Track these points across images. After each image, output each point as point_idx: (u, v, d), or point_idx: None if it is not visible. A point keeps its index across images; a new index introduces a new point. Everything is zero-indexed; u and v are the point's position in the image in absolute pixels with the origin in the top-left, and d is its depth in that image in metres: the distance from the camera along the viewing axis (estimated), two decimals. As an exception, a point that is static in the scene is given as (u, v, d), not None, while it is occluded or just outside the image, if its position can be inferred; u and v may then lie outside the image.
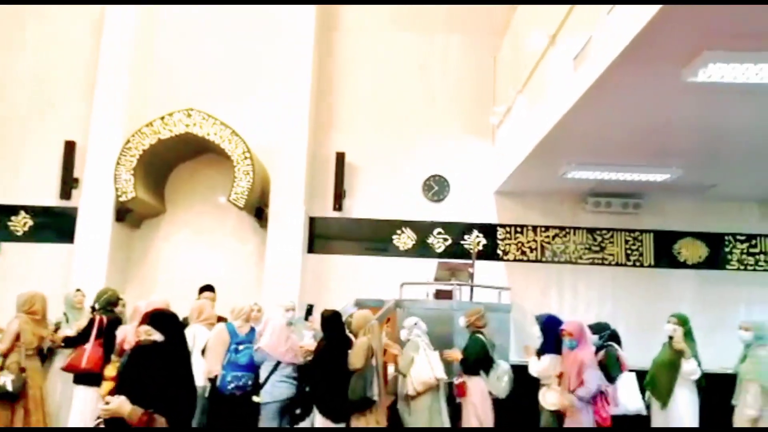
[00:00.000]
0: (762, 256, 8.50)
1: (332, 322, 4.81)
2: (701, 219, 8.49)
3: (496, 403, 5.13)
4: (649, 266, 8.48)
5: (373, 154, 8.61)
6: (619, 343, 5.16)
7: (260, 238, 8.17)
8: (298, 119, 8.03)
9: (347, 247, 8.50)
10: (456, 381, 5.07)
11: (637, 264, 8.49)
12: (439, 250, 8.48)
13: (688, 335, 5.04)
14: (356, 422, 4.58)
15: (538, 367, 4.83)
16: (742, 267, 8.48)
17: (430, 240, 8.52)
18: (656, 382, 5.04)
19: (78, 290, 6.52)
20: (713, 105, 4.84)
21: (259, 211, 8.09)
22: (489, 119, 8.10)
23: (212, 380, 4.76)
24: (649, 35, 3.67)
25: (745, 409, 4.52)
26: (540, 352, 4.94)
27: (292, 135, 7.99)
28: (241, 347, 4.77)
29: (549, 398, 4.64)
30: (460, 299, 7.55)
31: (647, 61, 4.06)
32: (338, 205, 8.36)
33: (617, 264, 8.49)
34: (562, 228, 8.55)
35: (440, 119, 8.66)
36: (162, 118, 7.51)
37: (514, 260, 8.51)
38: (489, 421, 4.94)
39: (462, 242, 8.49)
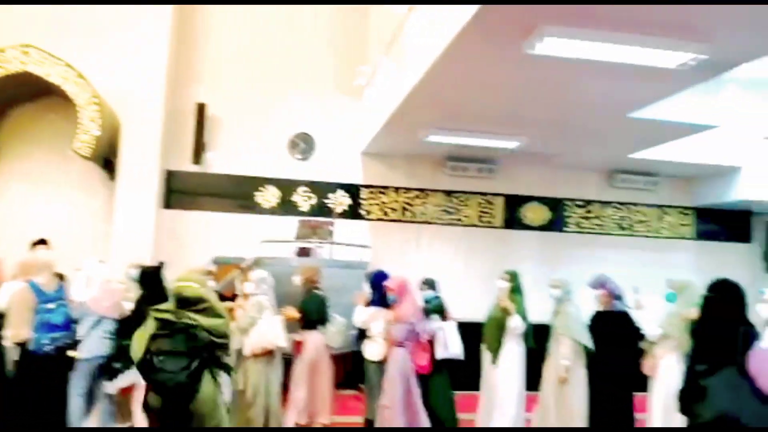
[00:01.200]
0: (596, 221, 9.45)
1: (150, 276, 4.66)
2: (546, 185, 9.23)
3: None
4: (499, 227, 9.11)
5: (238, 107, 8.32)
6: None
7: (110, 191, 7.65)
8: (154, 66, 7.54)
9: (207, 203, 8.22)
10: (296, 338, 5.13)
11: (489, 225, 9.08)
12: (304, 209, 8.47)
13: (517, 290, 5.37)
14: None
15: (359, 317, 5.04)
16: (578, 230, 9.38)
17: (295, 198, 8.48)
18: (487, 337, 5.38)
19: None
20: (553, 78, 5.22)
21: (108, 162, 7.53)
22: (356, 80, 8.11)
23: (21, 344, 4.30)
24: (490, 8, 3.85)
25: (560, 359, 5.05)
26: (367, 304, 5.14)
27: (148, 82, 7.49)
28: (52, 305, 4.35)
29: (369, 349, 4.86)
30: (322, 257, 7.69)
31: (490, 32, 4.27)
32: (197, 158, 8.01)
33: (471, 225, 9.02)
34: (422, 190, 8.89)
35: (309, 76, 8.53)
36: (-8, 54, 6.66)
37: (377, 220, 8.74)
38: (328, 373, 5.13)
39: (327, 201, 8.54)
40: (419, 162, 8.80)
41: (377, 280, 5.09)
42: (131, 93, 7.45)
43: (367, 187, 8.74)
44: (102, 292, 4.61)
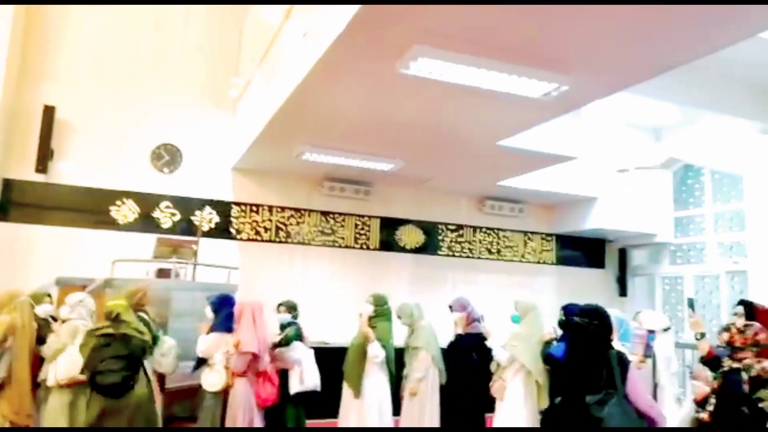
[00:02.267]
0: (466, 244, 9.69)
1: None
2: (420, 208, 9.33)
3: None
4: (375, 249, 9.04)
5: (94, 112, 7.56)
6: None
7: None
8: (-10, 60, 6.62)
9: (53, 216, 7.33)
10: None
11: (364, 247, 8.98)
12: (166, 226, 7.84)
13: (382, 315, 5.17)
14: None
15: (201, 346, 4.54)
16: (450, 253, 9.56)
17: (156, 214, 7.82)
18: (347, 367, 5.07)
19: None
20: (426, 101, 5.22)
21: (-72, 166, 6.49)
22: (228, 91, 7.70)
23: None
24: (360, 25, 3.74)
25: (414, 373, 5.02)
26: (209, 331, 4.70)
27: (-18, 78, 6.56)
28: None
29: (208, 378, 4.41)
30: (184, 278, 7.11)
31: (363, 50, 4.17)
32: (42, 166, 7.13)
33: (347, 246, 8.86)
34: (297, 209, 8.61)
35: (178, 85, 7.98)
36: None
37: (248, 239, 8.30)
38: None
39: (193, 218, 7.97)
40: (295, 181, 8.52)
41: (220, 303, 4.67)
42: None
43: (238, 204, 8.29)
44: None
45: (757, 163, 7.99)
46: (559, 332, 4.44)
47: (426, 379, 5.03)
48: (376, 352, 4.93)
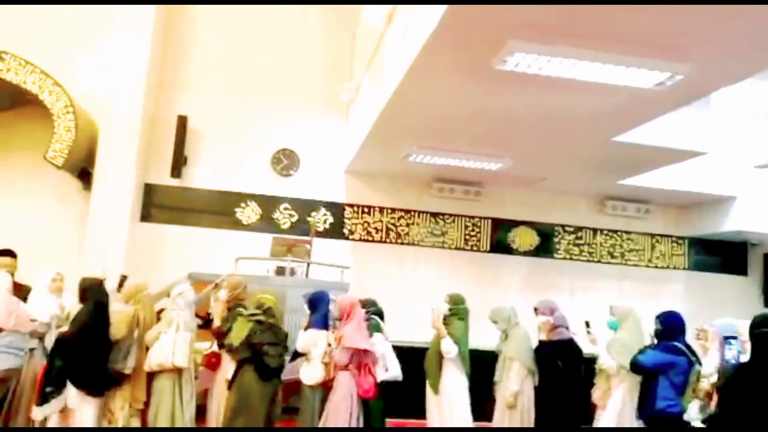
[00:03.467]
0: (586, 248, 9.20)
1: (92, 291, 4.46)
2: (535, 209, 9.01)
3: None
4: (486, 251, 8.87)
5: (221, 120, 8.20)
6: (382, 317, 5.23)
7: (86, 201, 7.49)
8: (134, 74, 7.43)
9: (186, 217, 8.05)
10: (206, 351, 4.79)
11: (475, 249, 8.85)
12: (285, 226, 8.29)
13: (457, 315, 5.00)
14: (110, 395, 4.38)
15: (300, 342, 4.60)
16: (568, 256, 9.12)
17: (276, 215, 8.30)
18: (427, 365, 5.03)
19: None
20: (528, 96, 5.05)
21: (84, 172, 7.40)
22: (340, 96, 7.97)
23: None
24: (451, 22, 3.71)
25: (509, 384, 4.81)
26: (306, 327, 4.75)
27: (127, 91, 7.38)
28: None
29: (306, 372, 4.48)
30: (301, 276, 7.46)
31: (458, 48, 4.13)
32: (177, 172, 7.86)
33: (456, 248, 8.79)
34: (407, 211, 8.70)
35: (295, 92, 8.42)
36: (-34, 60, 6.59)
37: (360, 240, 8.53)
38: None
39: (309, 219, 8.35)
40: (405, 182, 8.62)
41: (316, 301, 4.78)
42: (110, 101, 7.35)
43: (351, 206, 8.55)
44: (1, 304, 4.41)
45: None
46: (655, 341, 4.24)
47: (523, 392, 4.81)
48: (448, 348, 4.81)
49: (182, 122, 7.87)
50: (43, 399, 4.16)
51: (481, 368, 5.12)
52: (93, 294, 4.41)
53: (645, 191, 8.50)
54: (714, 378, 3.64)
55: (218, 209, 8.14)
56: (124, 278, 5.76)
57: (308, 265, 7.33)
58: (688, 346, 4.29)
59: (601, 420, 4.65)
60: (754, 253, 9.49)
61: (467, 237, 8.85)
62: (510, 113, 5.53)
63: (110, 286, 5.66)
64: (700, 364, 4.17)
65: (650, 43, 3.93)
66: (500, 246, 8.92)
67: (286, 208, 8.33)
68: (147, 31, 7.53)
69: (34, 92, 6.73)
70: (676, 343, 4.15)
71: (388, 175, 8.47)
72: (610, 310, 4.88)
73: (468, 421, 4.89)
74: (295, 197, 8.37)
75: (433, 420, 4.96)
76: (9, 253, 5.89)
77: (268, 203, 8.29)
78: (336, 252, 8.25)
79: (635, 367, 4.21)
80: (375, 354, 4.53)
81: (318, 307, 4.69)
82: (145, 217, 7.89)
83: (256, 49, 8.36)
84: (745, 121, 8.04)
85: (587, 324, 5.01)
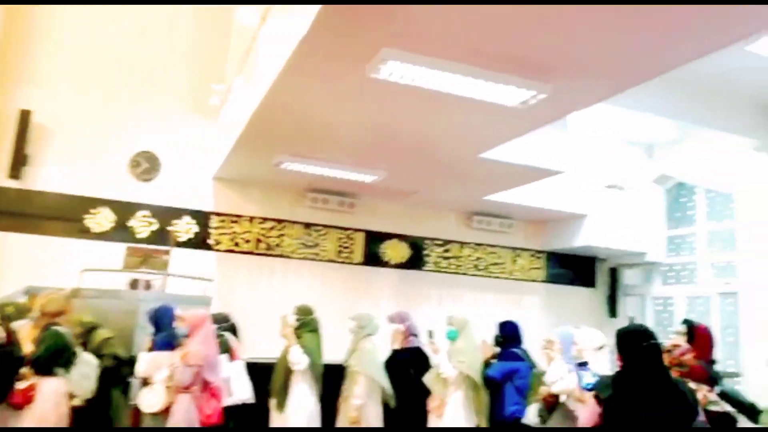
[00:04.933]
0: (453, 260, 9.47)
1: None
2: (406, 222, 9.13)
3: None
4: (359, 263, 8.82)
5: (72, 117, 7.39)
6: (235, 332, 5.01)
7: None
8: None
9: (26, 223, 7.13)
10: (19, 386, 3.93)
11: (348, 261, 8.76)
12: (143, 235, 7.63)
13: (308, 326, 4.90)
14: None
15: (141, 365, 4.23)
16: (436, 269, 9.33)
17: (132, 223, 7.62)
18: (273, 381, 4.82)
19: None
20: (401, 108, 5.05)
21: None
22: (210, 99, 7.54)
23: None
24: (324, 26, 3.60)
25: (353, 399, 4.79)
26: (149, 348, 4.44)
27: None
28: None
29: (146, 398, 4.08)
30: (159, 290, 6.90)
31: (330, 53, 4.01)
32: (16, 172, 6.96)
33: (329, 260, 8.64)
34: (279, 221, 8.41)
35: (160, 92, 7.82)
36: None
37: (227, 251, 8.09)
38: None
39: (171, 228, 7.77)
40: (278, 192, 8.34)
41: (159, 317, 4.41)
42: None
43: (218, 214, 8.09)
44: None
45: (749, 181, 7.81)
46: (496, 349, 4.73)
47: (366, 406, 4.79)
48: (296, 358, 4.64)
49: (24, 117, 6.99)
50: None
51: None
52: None
53: (508, 207, 8.94)
54: (559, 387, 3.85)
55: (64, 215, 7.30)
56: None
57: (166, 277, 6.80)
58: (526, 352, 4.68)
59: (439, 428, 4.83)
60: (601, 267, 10.35)
61: (340, 249, 8.75)
62: (384, 124, 5.51)
63: None
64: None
65: (516, 61, 4.08)
66: (373, 258, 8.91)
67: (144, 216, 7.69)
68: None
69: None
70: (516, 350, 4.60)
71: (259, 183, 8.14)
72: (448, 320, 5.09)
73: None
74: (156, 204, 7.75)
75: None
76: None
77: (124, 210, 7.59)
78: (200, 263, 7.76)
79: (488, 381, 4.63)
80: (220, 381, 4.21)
81: (161, 324, 4.29)
82: (-27, 222, 6.89)
83: (117, 44, 7.67)
84: (597, 144, 8.77)
85: (430, 334, 5.14)
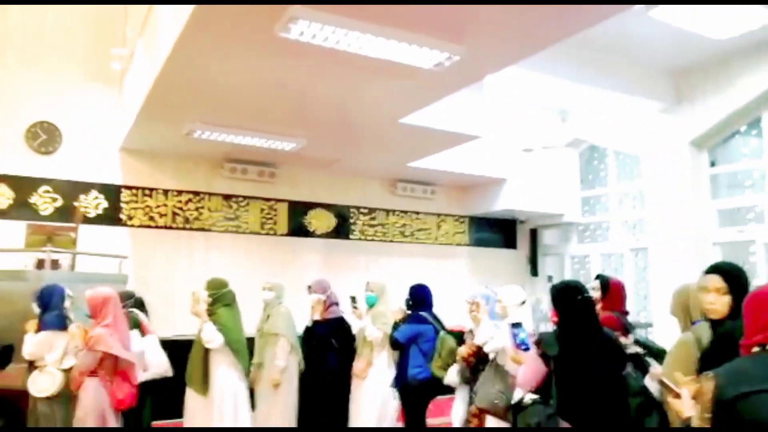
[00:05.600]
0: (380, 228, 9.46)
1: None
2: (331, 191, 9.01)
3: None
4: (283, 234, 8.64)
5: (-46, 86, 6.73)
6: (143, 308, 4.82)
7: None
8: None
9: None
10: None
11: (272, 232, 8.56)
12: (47, 212, 7.12)
13: (222, 300, 4.68)
14: None
15: (27, 347, 4.04)
16: (363, 237, 9.30)
17: (34, 199, 7.08)
18: (190, 363, 4.59)
19: None
20: (315, 70, 4.87)
21: None
22: (111, 64, 7.03)
23: None
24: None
25: (276, 361, 4.76)
26: (37, 330, 4.15)
27: None
28: None
29: (38, 382, 3.93)
30: (66, 269, 6.47)
31: (237, 11, 3.77)
32: None
33: (252, 232, 8.41)
34: (196, 193, 8.07)
35: (57, 58, 7.20)
36: None
37: (140, 226, 7.69)
38: None
39: (78, 204, 7.29)
40: (193, 162, 7.97)
41: (48, 296, 4.16)
42: None
43: (129, 188, 7.66)
44: None
45: (653, 142, 8.19)
46: (408, 312, 4.86)
47: (287, 370, 4.78)
48: (209, 336, 4.46)
49: None
50: None
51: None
52: None
53: (431, 173, 8.99)
54: (491, 346, 3.89)
55: (-46, 193, 6.70)
56: None
57: (74, 256, 6.39)
58: (434, 316, 4.78)
59: (364, 388, 4.91)
60: (522, 229, 10.65)
61: (264, 220, 8.52)
62: (299, 89, 5.32)
63: None
64: (446, 331, 4.76)
65: (430, 22, 4.00)
66: (298, 228, 8.75)
67: (47, 191, 7.16)
68: None
69: None
70: (423, 313, 4.70)
71: (172, 153, 7.75)
72: (367, 287, 5.13)
73: (247, 420, 4.62)
74: (59, 178, 7.23)
75: (195, 423, 4.52)
76: None
77: (23, 185, 7.04)
78: (112, 240, 7.35)
79: (393, 344, 4.74)
80: (130, 359, 4.00)
81: (50, 303, 4.04)
82: None
83: (5, 7, 6.99)
84: (514, 109, 8.91)
85: (353, 299, 5.16)
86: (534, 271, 10.45)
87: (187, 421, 4.52)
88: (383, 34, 4.02)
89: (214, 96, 5.53)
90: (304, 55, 4.41)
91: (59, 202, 7.20)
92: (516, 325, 3.70)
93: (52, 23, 7.20)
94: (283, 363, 4.71)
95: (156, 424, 4.69)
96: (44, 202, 7.14)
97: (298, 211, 8.78)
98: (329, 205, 9.03)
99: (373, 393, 4.82)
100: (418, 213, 9.76)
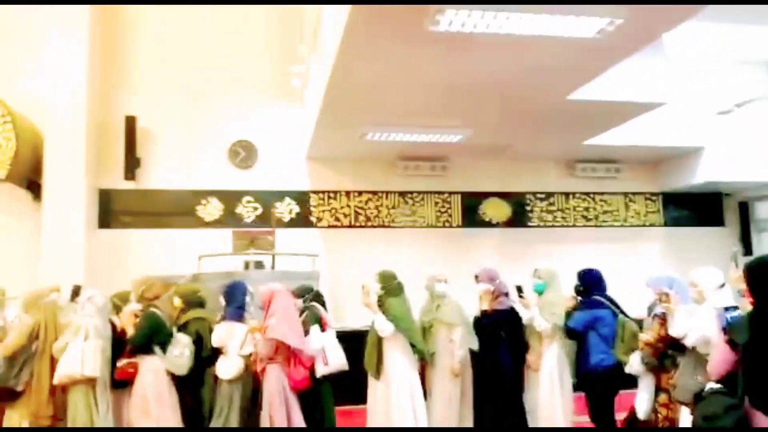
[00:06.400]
0: (559, 213, 9.06)
1: None
2: (504, 179, 8.85)
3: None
4: (458, 226, 8.72)
5: (171, 118, 7.94)
6: (323, 303, 5.02)
7: (39, 213, 7.22)
8: (74, 78, 7.15)
9: (145, 220, 7.80)
10: (119, 363, 4.31)
11: (447, 225, 8.69)
12: (249, 220, 8.08)
13: (392, 293, 4.73)
14: (8, 413, 4.17)
15: (215, 336, 4.42)
16: (541, 223, 8.99)
17: (239, 209, 8.08)
18: (367, 350, 4.72)
19: None
20: (473, 60, 4.84)
21: (33, 183, 7.14)
22: (292, 83, 7.73)
23: None
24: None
25: (456, 350, 4.65)
26: (220, 320, 4.57)
27: (68, 96, 7.10)
28: None
29: (222, 366, 4.34)
30: (269, 268, 7.28)
31: (385, 11, 3.90)
32: (131, 174, 7.61)
33: (428, 226, 8.62)
34: (374, 192, 8.51)
35: (246, 82, 8.16)
36: None
37: (328, 226, 8.34)
38: (161, 404, 4.28)
39: (274, 210, 8.14)
40: (369, 164, 8.42)
41: (231, 292, 4.59)
42: (52, 108, 7.07)
43: (316, 192, 8.35)
44: None
45: None
46: (577, 299, 4.59)
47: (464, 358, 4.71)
48: (381, 326, 4.59)
49: (131, 123, 7.60)
50: None
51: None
52: None
53: (612, 150, 8.37)
54: (692, 339, 3.50)
55: (178, 209, 7.90)
56: (77, 288, 5.54)
57: (273, 256, 7.15)
58: (610, 299, 4.39)
59: (540, 381, 4.67)
60: (729, 203, 9.41)
61: (438, 213, 8.69)
62: (457, 79, 5.33)
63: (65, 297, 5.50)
64: (625, 315, 4.38)
65: (584, -12, 3.75)
66: (472, 220, 8.76)
67: (249, 201, 8.12)
68: (83, 31, 7.23)
69: (-33, 104, 6.46)
70: (597, 297, 4.32)
71: (350, 157, 8.27)
72: (534, 273, 4.88)
73: (421, 405, 4.68)
74: (258, 189, 8.15)
75: (376, 407, 4.71)
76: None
77: (230, 198, 8.06)
78: (305, 241, 8.07)
79: (569, 333, 4.46)
80: (306, 350, 4.35)
81: (233, 298, 4.53)
82: (104, 223, 7.65)
83: (200, 42, 8.08)
84: (702, 67, 7.90)
85: (519, 289, 4.94)
86: (747, 250, 9.14)
87: (369, 406, 4.81)
88: (533, 10, 3.86)
89: (380, 97, 5.79)
90: (458, 45, 4.42)
91: (259, 210, 8.11)
92: (730, 309, 3.32)
93: (238, 52, 8.13)
94: (463, 352, 4.69)
95: (342, 409, 5.03)
96: (247, 211, 8.10)
97: (472, 202, 8.79)
98: (504, 194, 8.89)
99: (548, 386, 4.60)
100: (602, 194, 9.15)
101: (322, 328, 4.58)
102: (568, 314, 4.53)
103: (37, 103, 7.08)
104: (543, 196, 9.01)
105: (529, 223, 8.96)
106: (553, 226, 9.01)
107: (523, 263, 8.38)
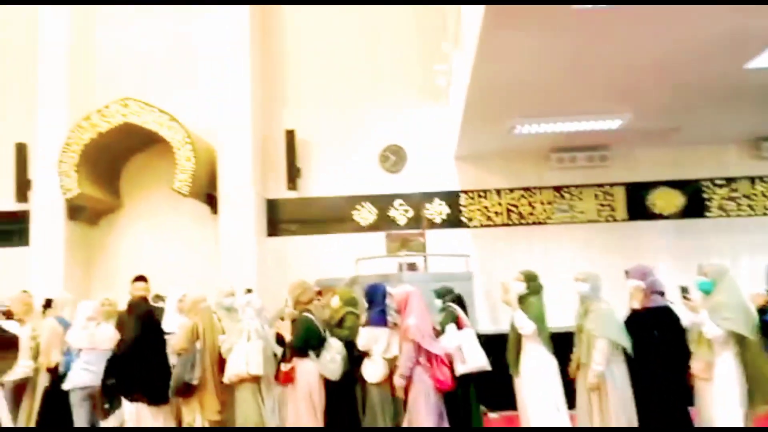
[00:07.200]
0: (744, 200, 8.01)
1: (134, 307, 4.72)
2: (674, 166, 8.05)
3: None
4: (623, 220, 8.08)
5: (325, 129, 8.38)
6: (463, 306, 4.77)
7: (216, 224, 8.02)
8: (239, 99, 7.85)
9: (306, 227, 8.30)
10: (284, 367, 4.56)
11: (610, 219, 8.10)
12: (402, 222, 8.22)
13: (534, 292, 4.55)
14: (183, 406, 4.52)
15: (361, 340, 4.45)
16: (723, 213, 8.00)
17: (392, 213, 8.26)
18: (508, 347, 4.62)
19: (24, 291, 6.45)
20: (629, 35, 4.43)
21: (211, 197, 7.94)
22: (436, 81, 7.73)
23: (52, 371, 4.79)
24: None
25: (593, 364, 4.16)
26: (365, 324, 4.56)
27: (235, 116, 7.81)
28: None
29: (368, 370, 4.36)
30: (422, 270, 7.35)
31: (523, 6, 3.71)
32: (293, 184, 8.14)
33: (588, 221, 8.10)
34: (527, 188, 8.20)
35: (391, 87, 8.37)
36: (99, 111, 7.41)
37: (480, 226, 8.20)
38: (319, 407, 4.47)
39: (425, 212, 8.20)
40: (520, 159, 8.13)
41: (371, 295, 4.58)
42: (222, 126, 7.82)
43: (465, 192, 8.26)
44: (81, 325, 4.83)
45: None
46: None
47: (611, 373, 4.16)
48: (521, 322, 4.37)
49: (290, 136, 8.14)
50: (104, 414, 4.49)
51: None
52: (135, 310, 4.65)
53: (809, 123, 7.19)
54: None
55: (336, 215, 8.28)
56: (248, 292, 6.04)
57: (425, 258, 7.19)
58: None
59: (714, 393, 3.95)
60: None
61: (599, 207, 8.13)
62: (611, 58, 4.91)
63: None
64: None
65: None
66: (639, 212, 8.07)
67: (401, 204, 8.26)
68: (244, 57, 7.90)
69: (154, 130, 7.36)
70: None
71: (500, 153, 8.05)
72: (698, 270, 4.19)
73: (552, 404, 4.36)
74: (408, 192, 8.27)
75: (521, 408, 4.53)
76: (142, 278, 6.46)
77: (383, 202, 8.28)
78: (456, 241, 8.03)
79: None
80: (436, 349, 4.25)
81: (374, 301, 4.53)
82: (272, 231, 8.25)
83: (347, 51, 8.44)
84: None
85: (684, 290, 4.33)
86: None
87: (519, 403, 4.64)
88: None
89: (525, 86, 5.54)
90: (608, 20, 4.07)
91: (410, 213, 8.22)
92: None
93: (384, 57, 8.35)
94: (600, 367, 4.19)
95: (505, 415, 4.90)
96: (399, 213, 8.24)
97: (638, 193, 8.09)
98: (675, 182, 8.07)
99: (725, 398, 3.90)
100: (795, 177, 7.92)
101: (458, 327, 4.50)
102: (761, 311, 3.89)
103: (209, 123, 7.88)
104: (722, 182, 8.03)
105: (707, 214, 8.02)
106: (739, 215, 7.98)
107: (701, 259, 7.55)
